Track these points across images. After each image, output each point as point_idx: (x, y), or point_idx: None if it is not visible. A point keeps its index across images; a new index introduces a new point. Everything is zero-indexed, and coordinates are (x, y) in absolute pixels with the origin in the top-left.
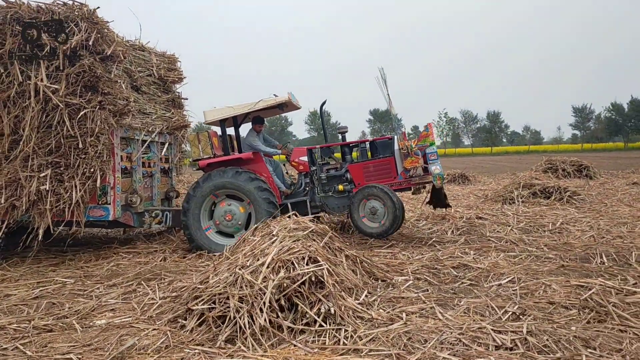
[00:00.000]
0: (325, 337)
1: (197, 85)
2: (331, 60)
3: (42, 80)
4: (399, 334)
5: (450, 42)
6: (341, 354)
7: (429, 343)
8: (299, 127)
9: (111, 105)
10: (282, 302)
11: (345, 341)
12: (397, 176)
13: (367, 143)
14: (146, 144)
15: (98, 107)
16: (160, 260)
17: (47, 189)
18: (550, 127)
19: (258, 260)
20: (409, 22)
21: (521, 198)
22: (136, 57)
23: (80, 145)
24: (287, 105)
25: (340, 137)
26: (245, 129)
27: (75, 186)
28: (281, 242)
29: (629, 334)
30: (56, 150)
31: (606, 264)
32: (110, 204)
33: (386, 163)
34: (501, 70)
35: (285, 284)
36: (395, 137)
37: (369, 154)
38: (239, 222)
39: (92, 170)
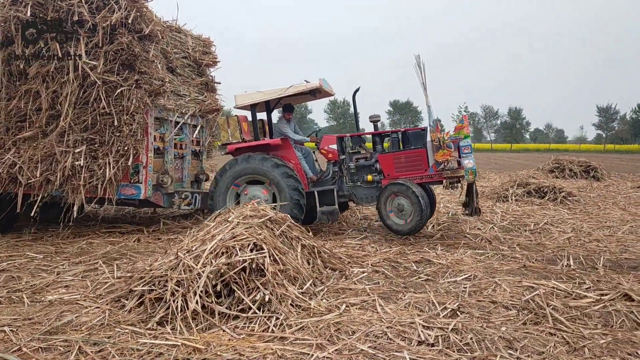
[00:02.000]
0: (256, 324)
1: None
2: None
3: (80, 56)
4: (329, 325)
5: (470, 34)
6: (266, 341)
7: (355, 335)
8: (318, 115)
9: (147, 85)
10: (219, 288)
11: (274, 329)
12: (428, 168)
13: (399, 133)
14: (179, 125)
15: (134, 85)
16: (134, 241)
17: (82, 164)
18: (573, 126)
19: (204, 245)
20: (434, 12)
21: (515, 196)
22: (172, 38)
23: (116, 123)
24: (320, 92)
25: (372, 125)
26: (276, 115)
27: (109, 163)
28: (233, 228)
29: (557, 337)
30: (92, 127)
31: (571, 267)
32: (142, 182)
33: (417, 154)
34: (524, 66)
35: (223, 270)
36: (428, 128)
37: (401, 144)
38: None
39: (125, 148)
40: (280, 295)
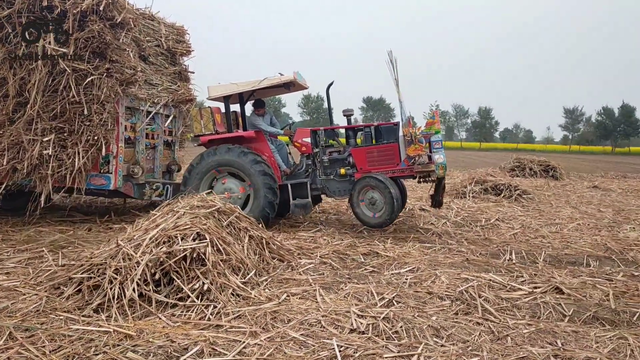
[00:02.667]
0: (193, 312)
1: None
2: (326, 44)
3: (50, 43)
4: (266, 313)
5: (445, 36)
6: (201, 329)
7: (290, 323)
8: (292, 108)
9: (118, 74)
10: (158, 277)
11: (210, 317)
12: (400, 163)
13: (372, 127)
14: (151, 115)
15: (105, 74)
16: (85, 230)
17: (50, 153)
18: (542, 127)
19: (146, 234)
20: (409, 9)
21: (472, 193)
22: (145, 26)
23: (85, 112)
24: (294, 85)
25: (346, 119)
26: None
27: (78, 153)
28: (178, 218)
29: (484, 327)
30: (61, 115)
31: (513, 261)
32: (112, 173)
33: (390, 149)
34: (494, 66)
35: (162, 259)
36: (400, 123)
37: (373, 139)
38: (237, 186)
39: (95, 137)
40: (221, 285)
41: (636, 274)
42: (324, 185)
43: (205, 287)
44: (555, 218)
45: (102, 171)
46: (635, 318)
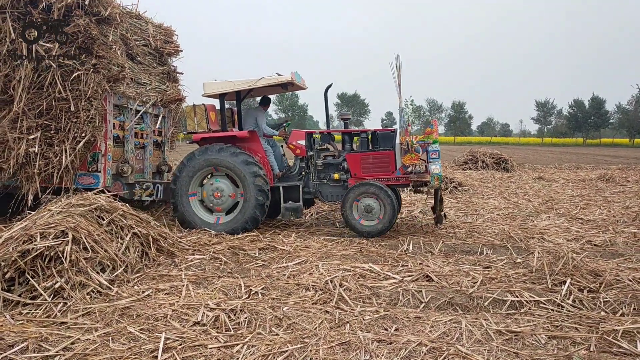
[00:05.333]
0: (41, 310)
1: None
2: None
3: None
4: (116, 309)
5: (421, 31)
6: (44, 326)
7: (136, 318)
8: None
9: (105, 70)
10: (11, 275)
11: (58, 314)
12: (395, 171)
13: (369, 133)
14: (139, 114)
15: (92, 70)
16: None
17: (36, 152)
18: (515, 120)
19: (6, 232)
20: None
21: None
22: (132, 24)
23: (72, 109)
24: (292, 85)
25: (343, 123)
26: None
27: (65, 150)
28: (51, 216)
29: (330, 315)
30: (47, 113)
31: (410, 251)
32: (100, 171)
33: (385, 156)
34: (467, 62)
35: (14, 257)
36: (398, 130)
37: (370, 144)
38: (223, 206)
39: (83, 135)
40: (79, 283)
41: (519, 260)
42: (316, 189)
43: (58, 285)
44: (480, 209)
45: (90, 170)
46: (487, 303)
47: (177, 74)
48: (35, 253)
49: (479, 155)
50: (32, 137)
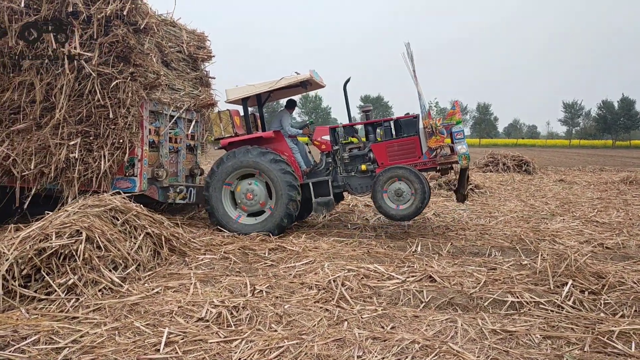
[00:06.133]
0: (54, 306)
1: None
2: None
3: (75, 47)
4: (125, 305)
5: (440, 30)
6: (56, 320)
7: (144, 314)
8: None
9: (142, 78)
10: (28, 272)
11: (71, 309)
12: (421, 155)
13: (391, 122)
14: (174, 119)
15: (130, 78)
16: None
17: (76, 157)
18: (541, 122)
19: (23, 231)
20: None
21: None
22: (167, 32)
23: (111, 116)
24: (311, 84)
25: (364, 116)
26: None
27: (104, 156)
28: (68, 216)
29: (330, 313)
30: (86, 120)
31: (418, 252)
32: (137, 176)
33: (410, 142)
34: (491, 62)
35: (31, 255)
36: (420, 115)
37: (393, 133)
38: (249, 208)
39: (121, 141)
40: (92, 280)
41: (525, 262)
42: (345, 182)
43: (71, 282)
44: (495, 211)
45: (127, 174)
46: (487, 303)
47: (209, 79)
48: (51, 251)
49: (499, 157)
50: (72, 143)
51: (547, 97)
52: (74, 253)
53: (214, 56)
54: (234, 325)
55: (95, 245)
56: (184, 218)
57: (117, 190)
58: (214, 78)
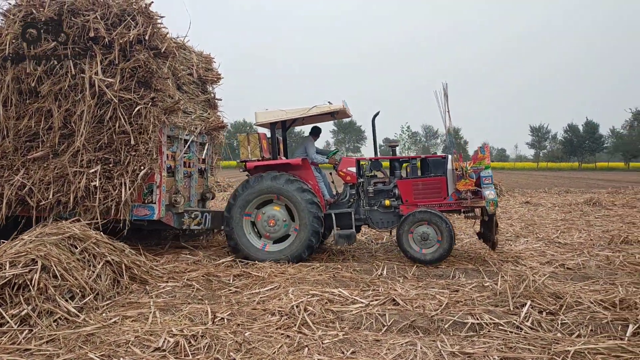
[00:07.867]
0: (6, 337)
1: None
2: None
3: (96, 73)
4: (80, 336)
5: (416, 59)
6: (7, 352)
7: (99, 345)
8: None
9: (161, 102)
10: None
11: (23, 341)
12: (447, 197)
13: (418, 159)
14: (188, 143)
15: (151, 103)
16: None
17: (97, 185)
18: (510, 145)
19: None
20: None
21: None
22: (179, 55)
23: (132, 142)
24: (338, 113)
25: (390, 150)
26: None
27: (124, 184)
28: (24, 245)
29: (290, 339)
30: (107, 146)
31: (384, 275)
32: (155, 203)
33: (437, 182)
34: (461, 87)
35: None
36: (450, 156)
37: (419, 171)
38: (284, 220)
39: (141, 167)
40: (47, 310)
41: (487, 284)
42: (367, 215)
43: (24, 313)
44: (460, 233)
45: (145, 201)
46: (447, 325)
47: (216, 101)
48: (4, 281)
49: None
50: (92, 170)
51: (515, 121)
52: (29, 283)
53: (222, 78)
54: (192, 354)
55: (51, 274)
56: (151, 244)
57: (135, 218)
58: (221, 100)
